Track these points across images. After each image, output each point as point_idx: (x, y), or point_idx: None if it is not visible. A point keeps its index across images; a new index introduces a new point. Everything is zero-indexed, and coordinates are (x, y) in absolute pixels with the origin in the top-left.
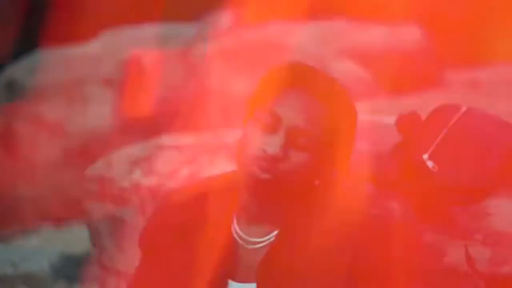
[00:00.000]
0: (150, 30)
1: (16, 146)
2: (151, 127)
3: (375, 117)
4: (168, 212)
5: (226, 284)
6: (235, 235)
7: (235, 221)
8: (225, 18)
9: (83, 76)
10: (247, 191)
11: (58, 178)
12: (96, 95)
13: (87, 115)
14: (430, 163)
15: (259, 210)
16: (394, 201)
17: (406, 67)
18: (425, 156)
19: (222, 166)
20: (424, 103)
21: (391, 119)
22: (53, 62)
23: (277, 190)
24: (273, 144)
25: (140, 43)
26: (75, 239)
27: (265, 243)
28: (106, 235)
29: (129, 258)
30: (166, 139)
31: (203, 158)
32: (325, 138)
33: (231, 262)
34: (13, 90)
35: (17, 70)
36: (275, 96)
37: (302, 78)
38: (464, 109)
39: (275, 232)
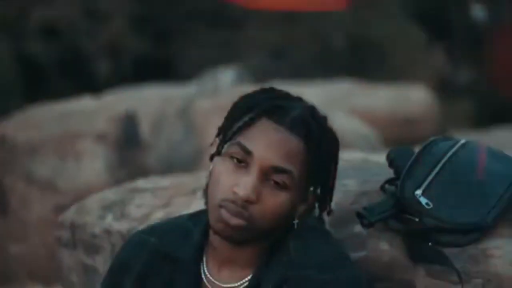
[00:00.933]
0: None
1: (6, 203)
2: None
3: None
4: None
5: None
6: (204, 280)
7: (204, 264)
8: (226, 76)
9: (75, 132)
10: (217, 234)
11: (49, 236)
12: (88, 151)
13: (79, 171)
14: (423, 200)
15: (231, 253)
16: (384, 242)
17: (410, 127)
18: (418, 192)
19: (198, 208)
20: None
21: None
22: (45, 118)
23: (250, 234)
24: (244, 185)
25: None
26: None
27: None
28: (78, 285)
29: None
30: (141, 182)
31: (179, 200)
32: (304, 174)
33: None
34: (4, 146)
35: (8, 126)
36: (247, 127)
37: (280, 108)
38: (462, 141)
39: (249, 277)
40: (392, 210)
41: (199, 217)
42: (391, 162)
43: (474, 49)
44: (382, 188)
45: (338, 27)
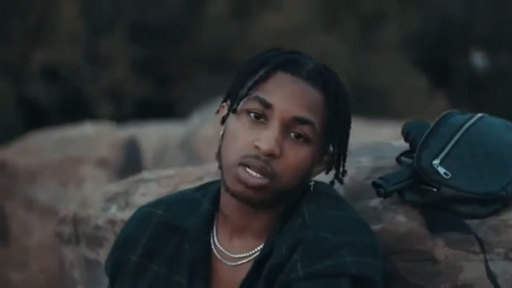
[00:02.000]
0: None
1: (7, 230)
2: None
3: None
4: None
5: None
6: (214, 251)
7: (214, 234)
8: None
9: (76, 157)
10: (233, 198)
11: (50, 262)
12: (90, 176)
13: (80, 197)
14: (441, 170)
15: (244, 221)
16: (400, 214)
17: None
18: (436, 162)
19: None
20: None
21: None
22: (45, 144)
23: (269, 195)
24: (267, 139)
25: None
26: None
27: (248, 259)
28: (80, 282)
29: None
30: (145, 174)
31: (185, 187)
32: (323, 128)
33: (210, 282)
34: (4, 173)
35: (9, 152)
36: (264, 82)
37: (294, 62)
38: (479, 114)
39: (261, 246)
40: (409, 180)
41: (206, 188)
42: (406, 134)
43: (475, 96)
44: (397, 160)
45: (340, 72)
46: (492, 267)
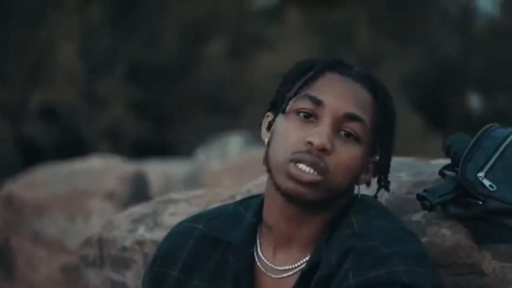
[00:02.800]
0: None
1: (13, 264)
2: None
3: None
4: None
5: None
6: (258, 264)
7: (258, 247)
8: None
9: (84, 191)
10: (282, 201)
11: None
12: (97, 210)
13: (88, 230)
14: (487, 182)
15: (290, 231)
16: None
17: None
18: (481, 174)
19: None
20: None
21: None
22: (52, 177)
23: (320, 194)
24: (319, 134)
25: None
26: None
27: (294, 271)
28: None
29: None
30: (172, 195)
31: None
32: (373, 128)
33: None
34: (11, 206)
35: (15, 186)
36: (312, 81)
37: (341, 63)
38: None
39: (307, 258)
40: (454, 193)
41: (248, 202)
42: (448, 148)
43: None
44: (441, 173)
45: None
46: None
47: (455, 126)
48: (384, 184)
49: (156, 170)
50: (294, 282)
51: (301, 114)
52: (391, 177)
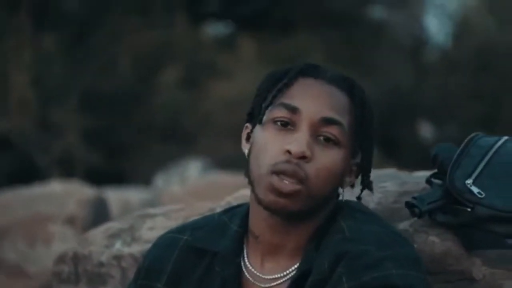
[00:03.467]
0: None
1: None
2: None
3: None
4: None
5: None
6: (246, 274)
7: (245, 257)
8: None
9: (44, 215)
10: (266, 213)
11: None
12: (58, 234)
13: (49, 255)
14: (475, 189)
15: (277, 240)
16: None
17: None
18: (469, 182)
19: None
20: None
21: None
22: (13, 202)
23: (303, 203)
24: (297, 142)
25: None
26: None
27: (283, 279)
28: None
29: None
30: (150, 210)
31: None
32: (352, 130)
33: None
34: None
35: None
36: (287, 88)
37: (314, 67)
38: (505, 137)
39: (296, 266)
40: (443, 200)
41: (233, 211)
42: (434, 157)
43: (423, 166)
44: (428, 181)
45: None
46: None
47: (407, 155)
48: (366, 184)
49: (115, 195)
50: None
51: (278, 123)
52: (375, 187)
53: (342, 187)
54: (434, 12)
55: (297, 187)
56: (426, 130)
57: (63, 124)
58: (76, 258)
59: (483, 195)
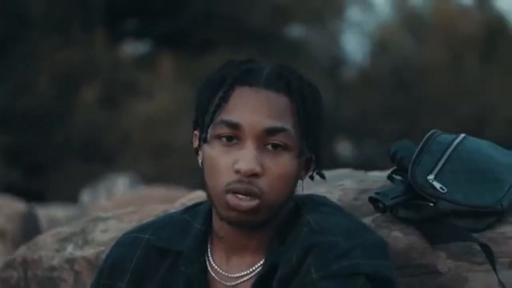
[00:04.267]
0: None
1: None
2: None
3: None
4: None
5: None
6: (211, 272)
7: (209, 255)
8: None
9: None
10: (231, 224)
11: None
12: None
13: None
14: (437, 184)
15: (242, 240)
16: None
17: None
18: (431, 177)
19: None
20: None
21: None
22: None
23: (264, 215)
24: (244, 159)
25: None
26: None
27: (249, 276)
28: None
29: None
30: (101, 213)
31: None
32: (298, 129)
33: None
34: None
35: None
36: (225, 102)
37: (249, 72)
38: (462, 135)
39: (261, 262)
40: (406, 195)
41: (195, 209)
42: (393, 154)
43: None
44: (389, 177)
45: None
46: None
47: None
48: (318, 172)
49: (42, 211)
50: (250, 287)
51: (223, 139)
52: (333, 185)
53: (301, 179)
54: (352, 31)
55: (253, 203)
56: (344, 148)
57: None
58: (26, 263)
59: (445, 190)
